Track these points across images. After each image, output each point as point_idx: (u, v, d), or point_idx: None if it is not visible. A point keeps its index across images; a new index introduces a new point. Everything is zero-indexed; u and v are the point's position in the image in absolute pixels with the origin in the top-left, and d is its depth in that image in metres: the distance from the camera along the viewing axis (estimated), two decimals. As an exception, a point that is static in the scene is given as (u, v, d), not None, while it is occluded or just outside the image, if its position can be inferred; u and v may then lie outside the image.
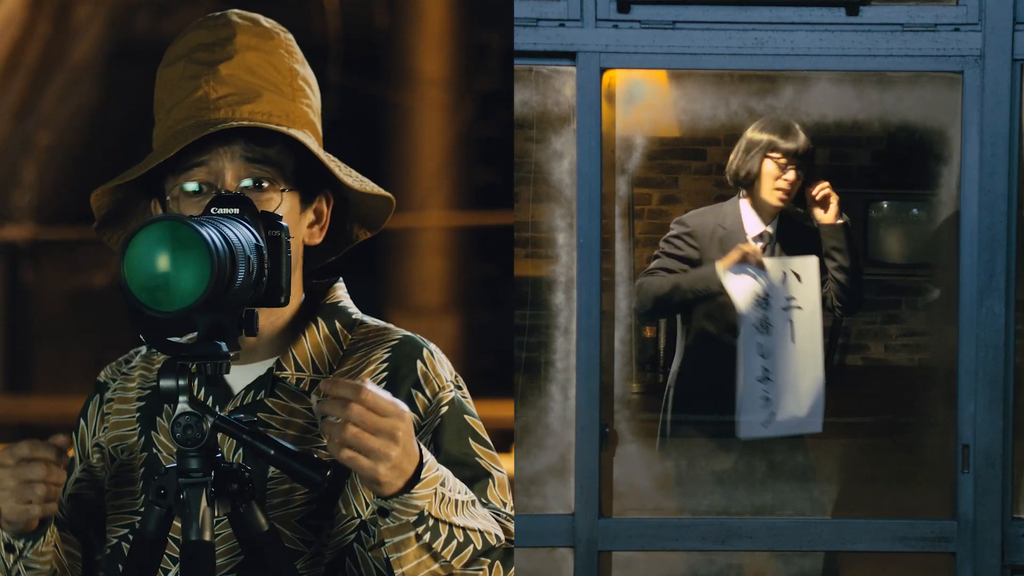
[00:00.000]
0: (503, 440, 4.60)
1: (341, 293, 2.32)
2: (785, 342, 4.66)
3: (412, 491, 2.00)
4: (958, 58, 4.38)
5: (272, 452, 1.97)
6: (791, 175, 4.67)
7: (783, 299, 4.64)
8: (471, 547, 2.07)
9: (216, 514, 2.02)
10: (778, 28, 4.40)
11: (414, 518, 2.02)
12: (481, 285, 5.58)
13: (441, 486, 2.04)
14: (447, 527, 2.04)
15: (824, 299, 4.73)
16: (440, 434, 2.21)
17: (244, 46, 2.21)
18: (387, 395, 1.97)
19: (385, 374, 2.23)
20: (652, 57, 4.42)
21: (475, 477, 2.20)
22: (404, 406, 1.99)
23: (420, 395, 2.22)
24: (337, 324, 2.28)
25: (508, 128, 4.61)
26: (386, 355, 2.25)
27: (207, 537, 1.99)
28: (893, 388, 6.62)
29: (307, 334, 2.25)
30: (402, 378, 2.23)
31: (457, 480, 2.10)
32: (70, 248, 5.88)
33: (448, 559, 2.05)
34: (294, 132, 2.17)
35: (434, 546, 2.03)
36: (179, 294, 1.88)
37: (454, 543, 2.05)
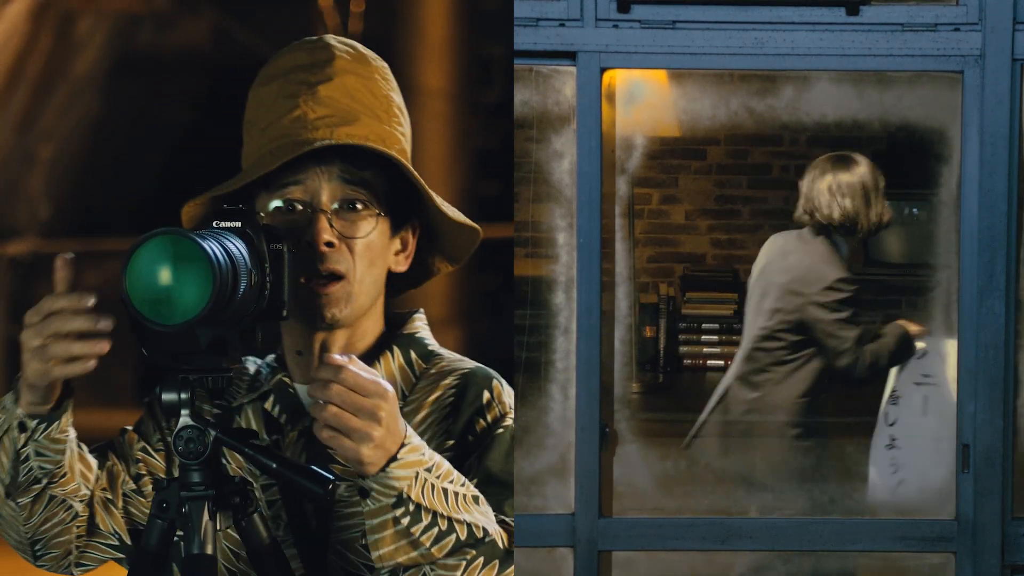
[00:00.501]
0: (502, 451, 4.62)
1: (419, 325, 2.33)
2: (915, 414, 4.77)
3: (388, 470, 1.99)
4: (958, 58, 4.38)
5: (274, 465, 1.98)
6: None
7: (918, 374, 4.77)
8: (454, 536, 2.05)
9: (218, 527, 2.02)
10: (778, 28, 4.39)
11: (393, 500, 2.01)
12: (484, 297, 5.59)
13: (427, 472, 2.03)
14: (430, 514, 2.03)
15: None
16: (487, 452, 2.21)
17: (343, 70, 2.21)
18: (370, 373, 1.97)
19: (452, 399, 2.25)
20: (652, 57, 4.42)
21: (507, 497, 2.20)
22: (387, 385, 1.98)
23: (481, 420, 2.23)
24: (412, 354, 2.28)
25: (508, 139, 4.61)
26: (455, 381, 2.27)
27: (209, 550, 1.99)
28: (893, 388, 6.61)
29: (382, 361, 2.26)
30: (468, 403, 2.24)
31: (456, 472, 2.08)
32: (73, 260, 5.87)
33: (428, 546, 2.04)
34: (394, 154, 2.17)
35: (412, 531, 2.02)
36: (181, 307, 1.88)
37: (435, 531, 2.03)
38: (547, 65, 4.48)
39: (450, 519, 2.04)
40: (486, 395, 2.24)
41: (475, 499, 2.09)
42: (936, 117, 4.55)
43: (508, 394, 2.27)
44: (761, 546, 4.51)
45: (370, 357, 2.26)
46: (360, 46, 2.28)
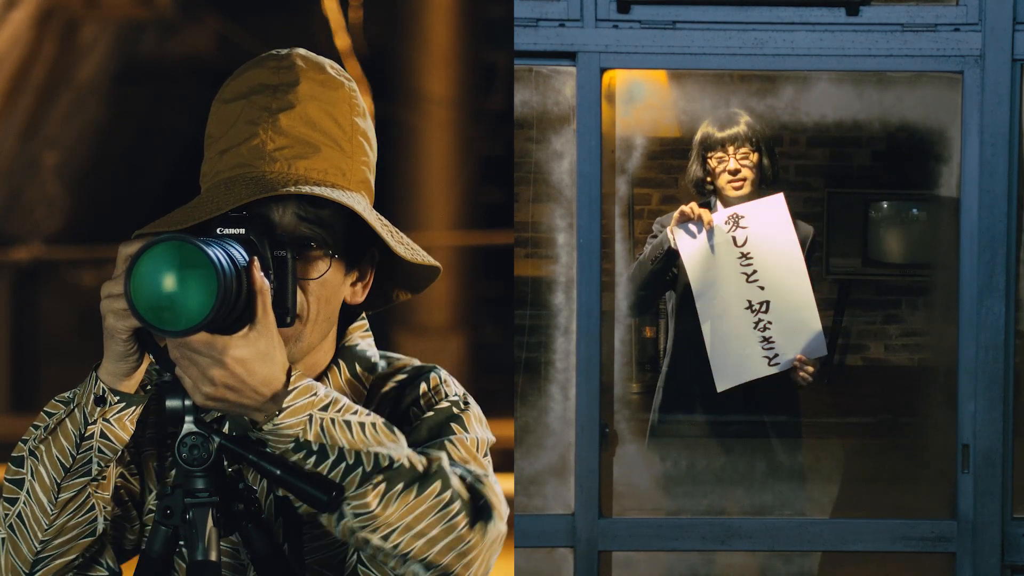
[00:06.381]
0: (504, 459, 4.62)
1: (358, 336, 2.29)
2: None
3: (276, 420, 1.98)
4: (958, 58, 4.38)
5: (278, 472, 1.97)
6: (732, 163, 4.62)
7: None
8: (360, 469, 2.02)
9: (221, 534, 2.02)
10: (778, 28, 4.40)
11: (290, 445, 2.00)
12: (486, 304, 5.60)
13: (323, 411, 2.01)
14: (335, 450, 2.01)
15: None
16: (410, 434, 2.17)
17: (307, 95, 2.15)
18: (202, 343, 1.94)
19: (391, 400, 2.23)
20: (652, 57, 4.42)
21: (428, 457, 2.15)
22: (219, 347, 1.94)
23: (415, 409, 2.21)
24: (358, 367, 2.25)
25: (511, 146, 4.60)
26: (393, 385, 2.24)
27: (213, 557, 1.99)
28: (893, 388, 6.63)
29: (329, 377, 2.24)
30: (405, 399, 2.22)
31: (353, 404, 2.05)
32: (76, 267, 5.90)
33: (337, 483, 2.01)
34: (351, 202, 2.12)
35: (319, 471, 2.01)
36: (185, 314, 1.88)
37: (342, 466, 2.01)
38: (547, 65, 4.48)
39: (356, 452, 2.01)
40: (422, 387, 2.22)
41: (381, 426, 2.05)
42: (936, 117, 4.55)
43: (446, 382, 2.22)
44: (760, 546, 4.51)
45: (319, 377, 2.24)
46: (329, 65, 2.21)
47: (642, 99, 4.94)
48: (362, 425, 2.03)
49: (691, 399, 4.81)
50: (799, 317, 4.56)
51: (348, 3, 5.75)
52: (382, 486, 2.01)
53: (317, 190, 2.10)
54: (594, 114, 4.40)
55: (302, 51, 2.21)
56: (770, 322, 4.55)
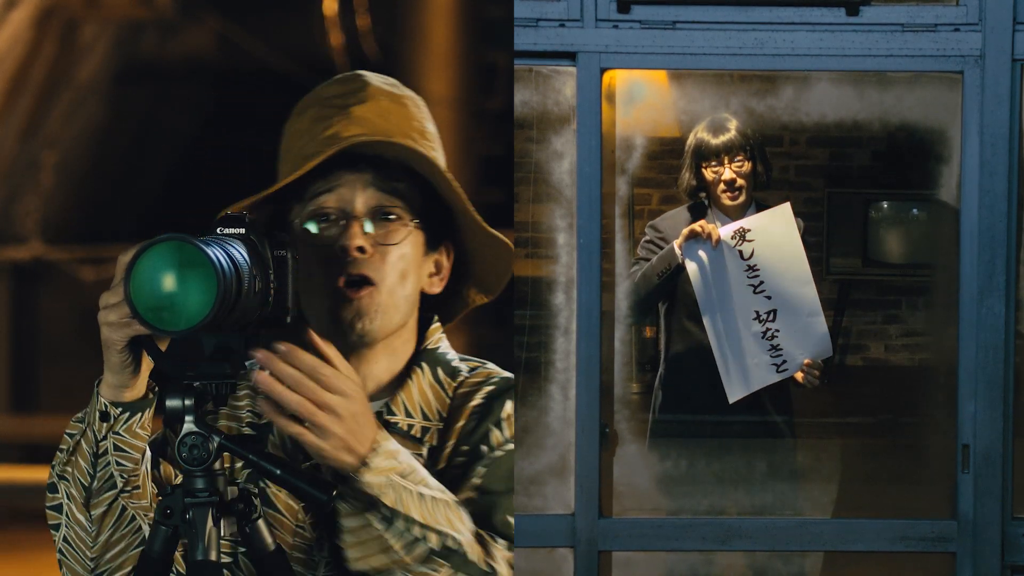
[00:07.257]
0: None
1: (439, 336, 2.32)
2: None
3: (359, 476, 1.99)
4: (958, 58, 4.38)
5: (278, 472, 1.98)
6: (728, 173, 4.66)
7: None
8: (426, 545, 2.04)
9: (222, 534, 2.02)
10: (778, 28, 4.40)
11: (366, 505, 2.01)
12: (486, 304, 5.60)
13: (402, 477, 2.02)
14: (404, 520, 2.02)
15: None
16: (494, 466, 2.19)
17: (377, 93, 2.23)
18: (333, 369, 1.95)
19: (477, 417, 2.24)
20: (652, 57, 4.42)
21: (502, 511, 2.18)
22: (353, 385, 1.96)
23: (497, 431, 2.22)
24: (440, 372, 2.28)
25: (508, 147, 4.60)
26: (481, 400, 2.26)
27: (213, 557, 1.99)
28: (893, 388, 6.63)
29: (413, 379, 2.25)
30: (490, 416, 2.24)
31: (432, 479, 2.08)
32: (76, 266, 5.90)
33: (400, 553, 2.03)
34: (423, 149, 2.18)
35: (385, 536, 2.02)
36: (185, 314, 1.88)
37: (408, 537, 2.03)
38: (547, 65, 4.48)
39: (424, 526, 2.03)
40: (507, 408, 2.25)
41: (451, 505, 2.08)
42: (936, 117, 4.55)
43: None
44: (761, 546, 4.51)
45: (403, 375, 2.25)
46: (397, 83, 2.30)
47: (642, 99, 4.94)
48: (434, 500, 2.05)
49: (690, 399, 4.82)
50: (805, 323, 4.60)
51: (348, 3, 5.75)
52: (441, 568, 2.03)
53: (397, 141, 2.14)
54: (594, 114, 4.39)
55: (366, 71, 2.30)
56: (777, 330, 4.58)
